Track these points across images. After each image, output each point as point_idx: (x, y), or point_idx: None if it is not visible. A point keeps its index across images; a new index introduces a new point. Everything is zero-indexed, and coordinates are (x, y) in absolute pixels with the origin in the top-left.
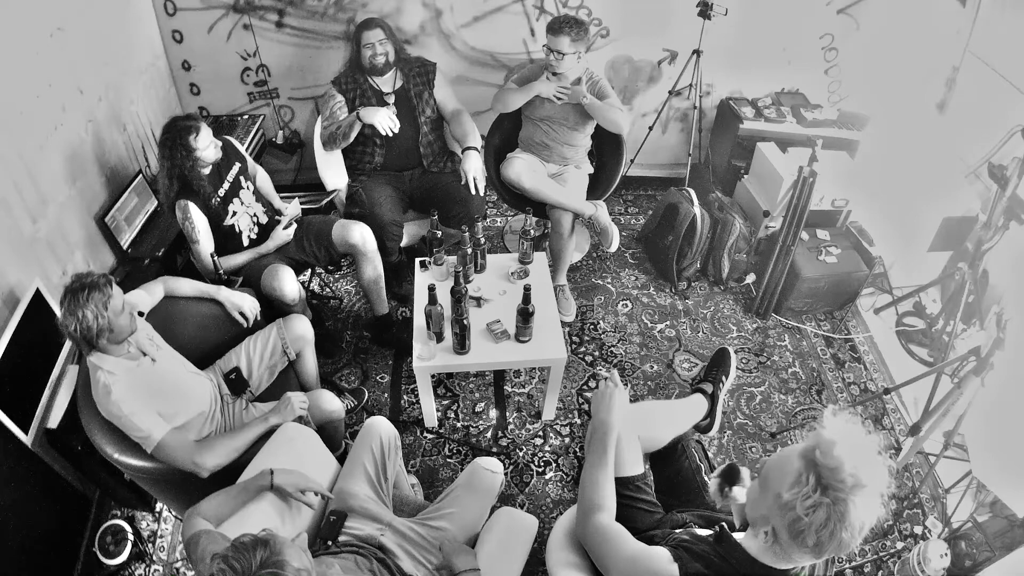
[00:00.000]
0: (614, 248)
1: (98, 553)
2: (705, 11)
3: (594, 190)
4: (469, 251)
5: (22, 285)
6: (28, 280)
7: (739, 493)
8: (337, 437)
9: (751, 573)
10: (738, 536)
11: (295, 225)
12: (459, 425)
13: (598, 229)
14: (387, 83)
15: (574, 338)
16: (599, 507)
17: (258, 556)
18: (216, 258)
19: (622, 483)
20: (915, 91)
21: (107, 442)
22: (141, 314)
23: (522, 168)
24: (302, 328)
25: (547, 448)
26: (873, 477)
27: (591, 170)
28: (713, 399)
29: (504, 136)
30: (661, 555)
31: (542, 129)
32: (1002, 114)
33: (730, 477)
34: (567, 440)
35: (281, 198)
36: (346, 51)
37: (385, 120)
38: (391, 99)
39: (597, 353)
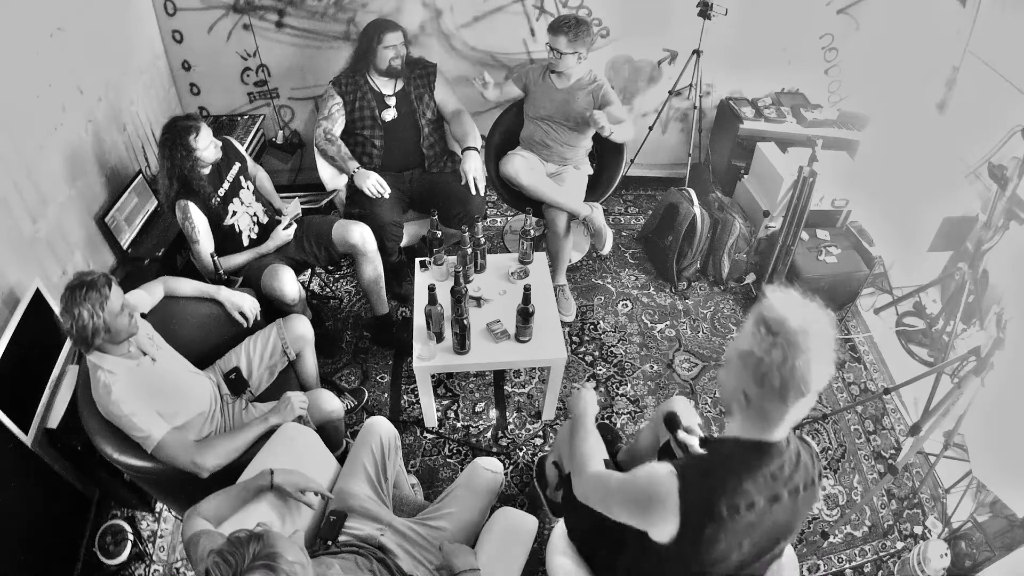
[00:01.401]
0: (607, 250)
1: (98, 553)
2: (705, 11)
3: (594, 191)
4: (469, 251)
5: (22, 285)
6: (28, 280)
7: (684, 436)
8: (337, 437)
9: (740, 454)
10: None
11: (295, 225)
12: (459, 425)
13: (592, 230)
14: (388, 85)
15: (574, 338)
16: (591, 458)
17: (252, 550)
18: (216, 258)
19: None
20: (915, 91)
21: (107, 442)
22: (144, 316)
23: (520, 165)
24: (302, 328)
25: (547, 448)
26: (817, 322)
27: (591, 171)
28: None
29: (505, 135)
30: (656, 463)
31: (542, 129)
32: (1002, 114)
33: (671, 425)
34: None
35: (281, 198)
36: (348, 51)
37: (374, 188)
38: (392, 101)
39: (597, 353)
